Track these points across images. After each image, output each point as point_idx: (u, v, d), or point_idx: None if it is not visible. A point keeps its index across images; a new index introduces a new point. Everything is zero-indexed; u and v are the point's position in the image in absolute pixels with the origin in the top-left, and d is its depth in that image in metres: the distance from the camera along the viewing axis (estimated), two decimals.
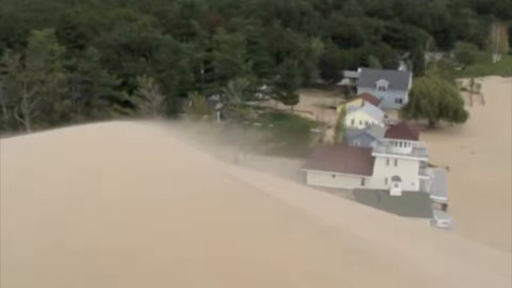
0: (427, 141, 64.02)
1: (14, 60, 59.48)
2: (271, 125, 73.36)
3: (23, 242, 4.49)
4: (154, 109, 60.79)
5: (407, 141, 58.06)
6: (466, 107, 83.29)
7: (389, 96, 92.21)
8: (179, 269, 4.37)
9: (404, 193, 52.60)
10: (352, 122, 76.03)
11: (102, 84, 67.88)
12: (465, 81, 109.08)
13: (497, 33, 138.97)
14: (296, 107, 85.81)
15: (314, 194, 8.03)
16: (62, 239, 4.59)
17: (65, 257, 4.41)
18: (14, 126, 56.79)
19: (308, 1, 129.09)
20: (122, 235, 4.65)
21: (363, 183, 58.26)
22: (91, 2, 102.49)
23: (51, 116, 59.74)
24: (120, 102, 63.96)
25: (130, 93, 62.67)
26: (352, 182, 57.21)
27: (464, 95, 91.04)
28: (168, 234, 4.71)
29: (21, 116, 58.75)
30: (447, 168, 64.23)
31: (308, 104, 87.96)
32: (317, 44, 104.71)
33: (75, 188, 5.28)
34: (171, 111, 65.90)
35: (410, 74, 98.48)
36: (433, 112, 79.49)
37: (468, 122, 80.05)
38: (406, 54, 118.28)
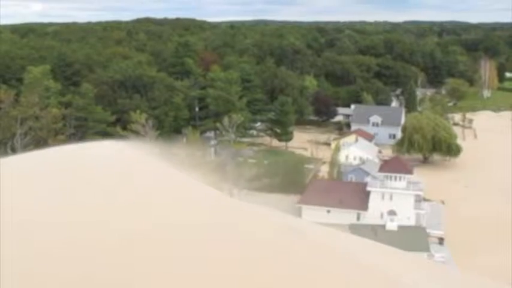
0: (422, 176, 64.02)
1: (9, 96, 59.60)
2: (265, 162, 73.25)
3: None
4: None
5: (402, 175, 57.98)
6: (459, 141, 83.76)
7: (382, 132, 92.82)
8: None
9: (400, 227, 52.12)
10: (347, 157, 76.10)
11: (97, 120, 67.91)
12: (457, 117, 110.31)
13: (486, 69, 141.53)
14: (290, 144, 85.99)
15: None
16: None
17: None
18: None
19: (301, 40, 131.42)
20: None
21: (358, 218, 57.78)
22: (87, 40, 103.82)
23: None
24: (114, 139, 63.76)
25: (124, 129, 62.64)
26: (347, 217, 56.73)
27: (456, 130, 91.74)
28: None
29: (14, 150, 58.40)
30: (442, 202, 64.00)
31: (302, 141, 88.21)
32: (310, 82, 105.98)
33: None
34: None
35: (403, 110, 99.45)
36: (426, 146, 79.87)
37: (461, 155, 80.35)
38: (399, 91, 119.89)
